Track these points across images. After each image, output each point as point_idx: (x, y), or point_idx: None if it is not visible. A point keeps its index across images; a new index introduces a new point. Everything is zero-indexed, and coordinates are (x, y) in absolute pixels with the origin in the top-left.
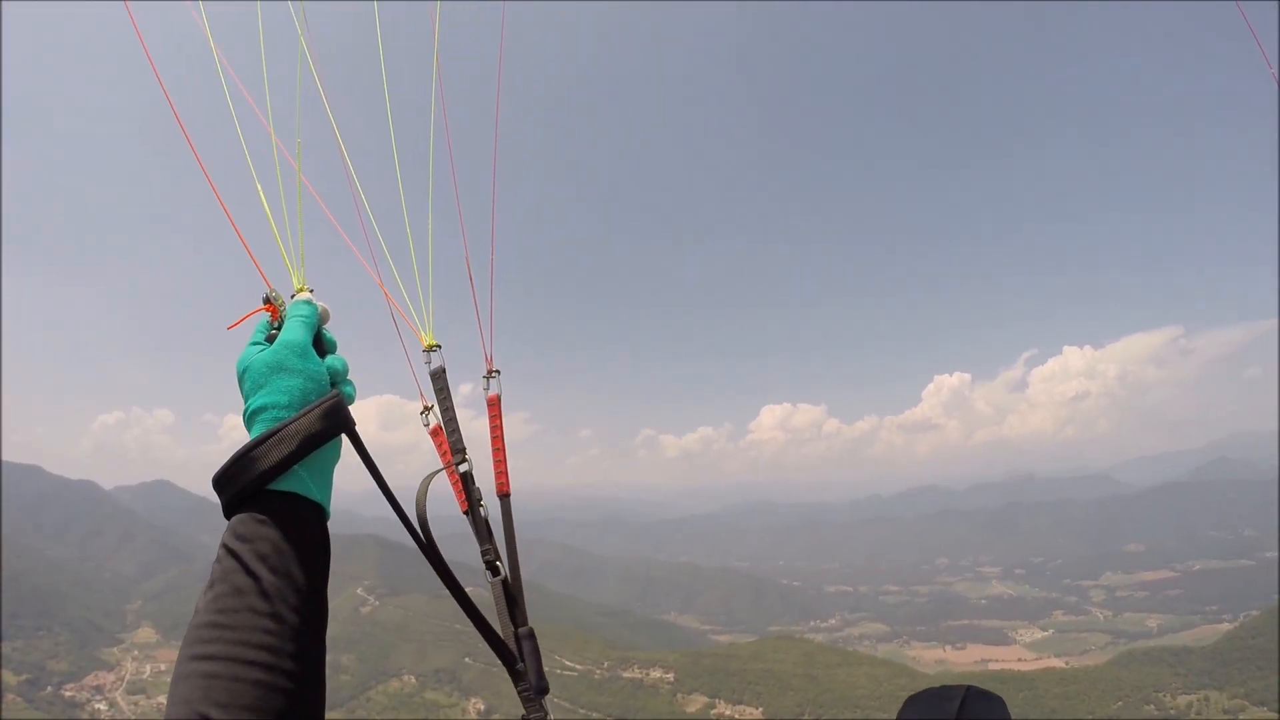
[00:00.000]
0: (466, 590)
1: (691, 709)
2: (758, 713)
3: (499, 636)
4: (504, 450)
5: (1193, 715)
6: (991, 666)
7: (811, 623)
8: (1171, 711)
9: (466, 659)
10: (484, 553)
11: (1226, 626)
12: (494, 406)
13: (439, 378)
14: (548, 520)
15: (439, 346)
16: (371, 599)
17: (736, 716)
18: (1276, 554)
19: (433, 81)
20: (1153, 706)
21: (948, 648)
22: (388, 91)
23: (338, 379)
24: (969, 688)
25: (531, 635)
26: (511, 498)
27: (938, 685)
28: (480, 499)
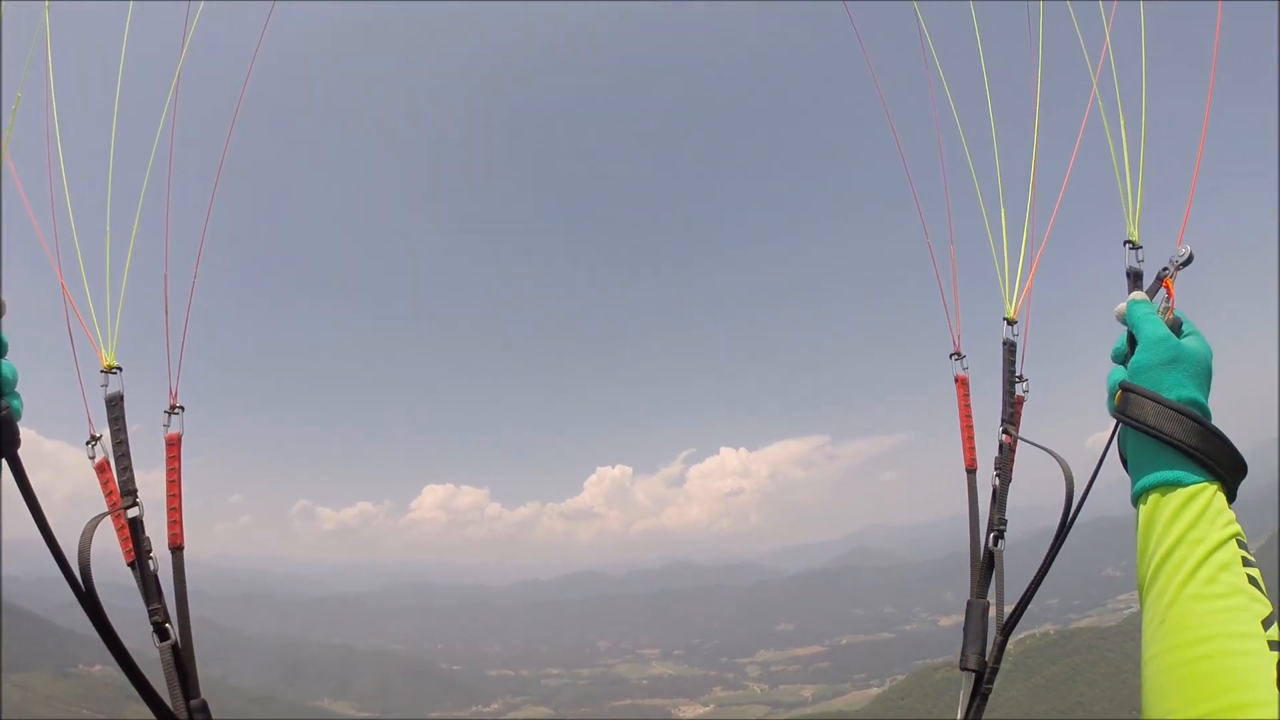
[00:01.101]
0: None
1: None
2: None
3: (168, 709)
4: (180, 497)
5: None
6: None
7: (474, 708)
8: None
9: None
10: (152, 613)
11: (875, 691)
12: (173, 447)
13: (115, 404)
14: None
15: (119, 369)
16: None
17: None
18: (912, 626)
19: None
20: None
21: None
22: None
23: (5, 389)
24: None
25: (205, 708)
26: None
27: None
28: (150, 550)
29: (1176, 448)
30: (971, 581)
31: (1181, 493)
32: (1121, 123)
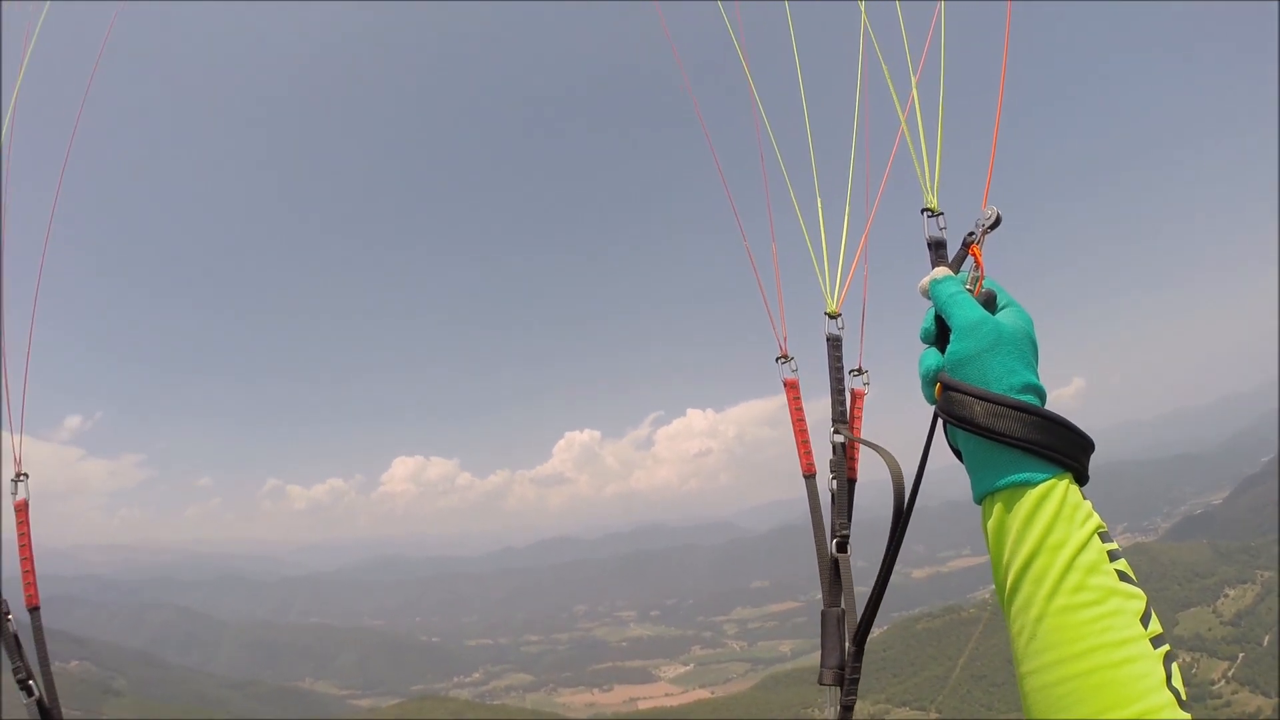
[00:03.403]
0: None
1: None
2: None
3: None
4: (32, 560)
5: None
6: (641, 705)
7: (455, 679)
8: None
9: None
10: (15, 671)
11: None
12: (22, 513)
13: None
14: (160, 579)
15: None
16: None
17: None
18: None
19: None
20: None
21: (595, 691)
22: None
23: None
24: None
25: None
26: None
27: None
28: (8, 612)
29: (1016, 446)
30: (822, 591)
31: (1031, 494)
32: (913, 80)
